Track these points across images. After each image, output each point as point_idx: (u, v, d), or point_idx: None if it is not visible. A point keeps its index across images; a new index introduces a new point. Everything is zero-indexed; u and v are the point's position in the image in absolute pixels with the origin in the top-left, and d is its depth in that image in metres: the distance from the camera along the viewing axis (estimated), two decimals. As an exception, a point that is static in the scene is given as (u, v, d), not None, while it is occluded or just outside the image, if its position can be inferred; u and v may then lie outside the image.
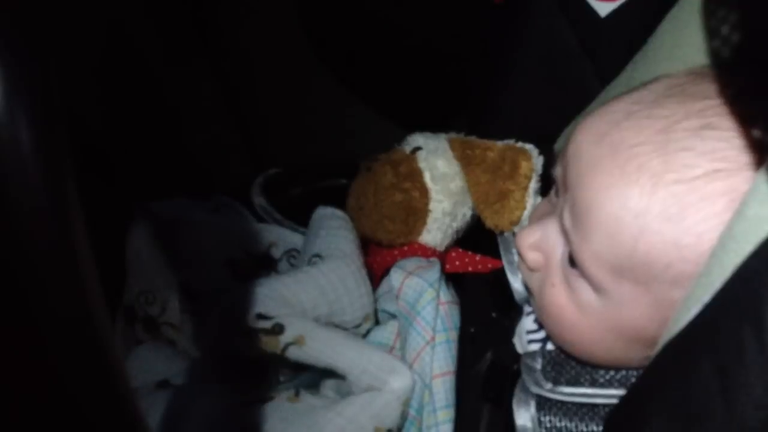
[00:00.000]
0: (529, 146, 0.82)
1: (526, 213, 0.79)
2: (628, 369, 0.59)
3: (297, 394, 0.67)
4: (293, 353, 0.65)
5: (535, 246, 0.61)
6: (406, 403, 0.64)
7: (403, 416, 0.65)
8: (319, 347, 0.65)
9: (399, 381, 0.63)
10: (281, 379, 0.71)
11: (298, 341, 0.65)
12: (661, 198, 0.51)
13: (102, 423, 0.33)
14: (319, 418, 0.62)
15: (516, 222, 0.79)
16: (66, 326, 0.31)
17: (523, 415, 0.60)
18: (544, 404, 0.60)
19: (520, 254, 0.62)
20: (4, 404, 0.31)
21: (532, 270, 0.62)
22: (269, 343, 0.65)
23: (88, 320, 0.31)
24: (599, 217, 0.53)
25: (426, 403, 0.67)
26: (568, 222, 0.56)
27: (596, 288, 0.56)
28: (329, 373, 0.68)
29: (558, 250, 0.59)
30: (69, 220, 0.29)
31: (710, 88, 0.55)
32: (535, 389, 0.60)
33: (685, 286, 0.49)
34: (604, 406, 0.59)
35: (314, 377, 0.70)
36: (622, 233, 0.52)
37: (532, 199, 0.80)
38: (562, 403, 0.60)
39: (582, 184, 0.55)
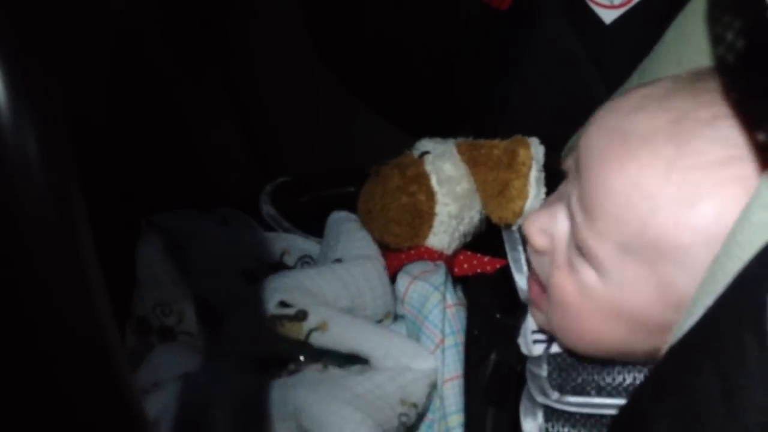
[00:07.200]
0: (531, 138, 0.82)
1: (529, 203, 0.79)
2: (633, 363, 0.59)
3: (325, 367, 0.69)
4: (317, 339, 0.66)
5: (543, 230, 0.61)
6: (433, 385, 0.65)
7: (429, 397, 0.65)
8: (343, 332, 0.66)
9: (423, 363, 0.65)
10: (301, 358, 0.72)
11: (321, 327, 0.66)
12: (675, 182, 0.52)
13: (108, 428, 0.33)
14: (348, 381, 0.64)
15: (519, 213, 0.79)
16: (72, 333, 0.31)
17: (530, 425, 0.60)
18: (551, 415, 0.60)
19: (527, 237, 0.63)
20: (7, 410, 0.31)
21: (538, 253, 0.63)
22: (292, 330, 0.66)
23: (94, 326, 0.31)
24: (608, 196, 0.54)
25: (437, 408, 0.67)
26: (575, 205, 0.57)
27: (599, 269, 0.56)
28: (354, 361, 0.68)
29: (564, 233, 0.60)
30: (74, 227, 0.30)
31: (717, 83, 0.55)
32: (541, 399, 0.60)
33: (692, 270, 0.50)
34: (612, 417, 0.58)
35: (340, 362, 0.71)
36: (632, 213, 0.53)
37: (534, 190, 0.80)
38: (570, 413, 0.60)
39: (592, 168, 0.56)
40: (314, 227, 0.85)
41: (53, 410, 0.32)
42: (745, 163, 0.50)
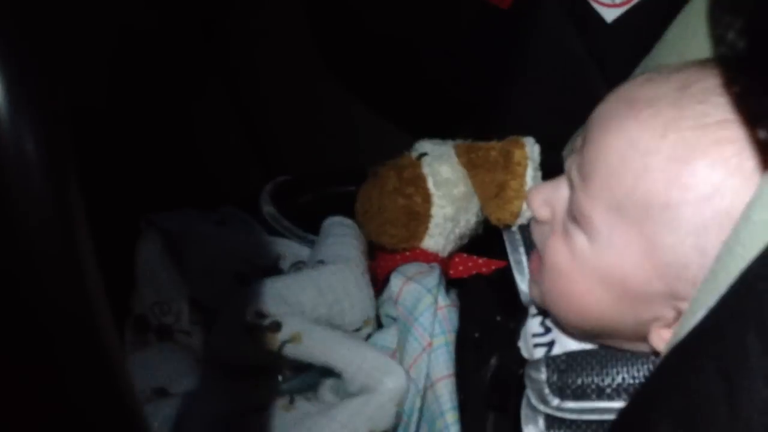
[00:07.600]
0: (526, 138, 0.82)
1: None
2: (620, 339, 0.59)
3: (291, 401, 0.68)
4: (290, 351, 0.66)
5: (545, 200, 0.62)
6: (400, 404, 0.65)
7: (398, 416, 0.65)
8: (316, 345, 0.66)
9: (393, 381, 0.64)
10: (280, 378, 0.72)
11: (294, 339, 0.66)
12: (671, 141, 0.52)
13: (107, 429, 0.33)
14: (313, 425, 0.63)
15: (517, 214, 0.79)
16: (71, 334, 0.31)
17: (532, 431, 0.60)
18: (552, 421, 0.60)
19: (531, 208, 0.64)
20: (8, 409, 0.31)
21: (539, 222, 0.63)
22: (266, 340, 0.66)
23: (93, 327, 0.31)
24: (605, 154, 0.55)
25: (432, 407, 0.67)
26: (574, 171, 0.59)
27: (589, 232, 0.57)
28: (327, 374, 0.68)
29: (563, 202, 0.61)
30: (74, 229, 0.30)
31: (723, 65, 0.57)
32: (542, 408, 0.60)
33: (679, 232, 0.52)
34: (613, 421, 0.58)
35: (313, 379, 0.71)
36: (625, 170, 0.54)
37: None
38: (572, 420, 0.59)
39: (594, 131, 0.58)
40: (314, 226, 0.84)
41: (51, 407, 0.32)
42: (743, 128, 0.50)
